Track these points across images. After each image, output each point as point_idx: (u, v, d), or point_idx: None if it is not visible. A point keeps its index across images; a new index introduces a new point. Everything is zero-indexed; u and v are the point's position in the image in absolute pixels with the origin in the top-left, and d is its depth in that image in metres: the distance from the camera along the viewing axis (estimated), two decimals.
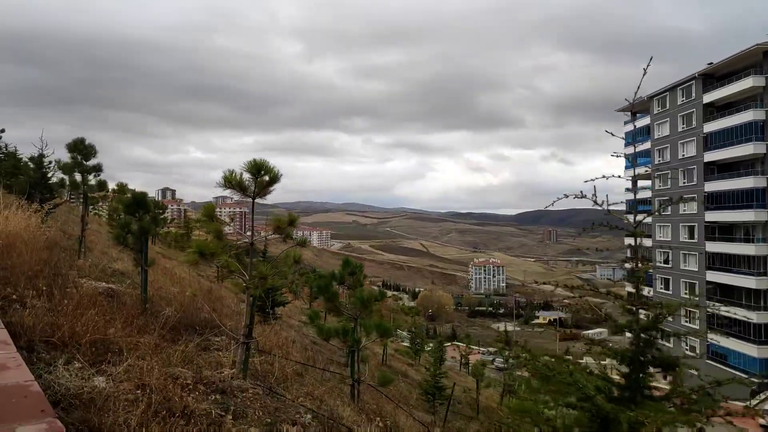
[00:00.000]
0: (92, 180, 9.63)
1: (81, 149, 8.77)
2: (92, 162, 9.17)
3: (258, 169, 4.74)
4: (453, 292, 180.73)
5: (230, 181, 4.81)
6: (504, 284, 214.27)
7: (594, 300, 5.05)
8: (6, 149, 17.34)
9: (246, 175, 4.85)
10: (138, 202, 6.69)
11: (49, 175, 11.74)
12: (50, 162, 12.19)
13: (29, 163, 15.59)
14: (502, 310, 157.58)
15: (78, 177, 9.06)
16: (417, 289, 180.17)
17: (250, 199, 4.92)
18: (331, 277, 7.89)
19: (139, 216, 6.69)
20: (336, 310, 7.28)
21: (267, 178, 4.75)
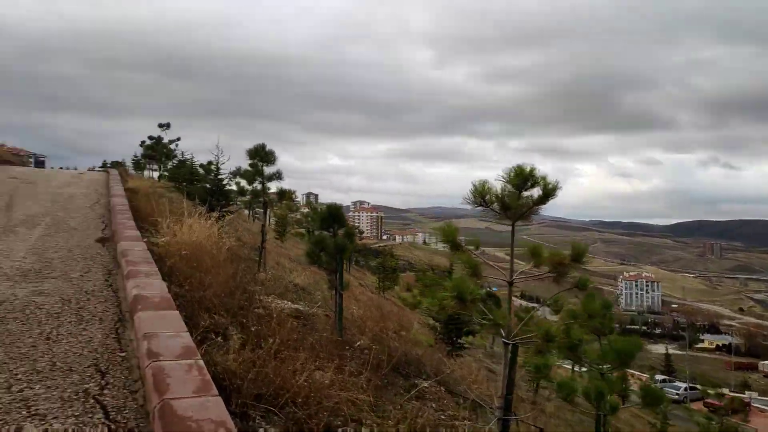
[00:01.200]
0: (271, 187, 9.06)
1: (262, 155, 8.18)
2: (272, 169, 8.58)
3: (525, 179, 3.32)
4: None
5: (482, 196, 3.43)
6: (659, 301, 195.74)
7: None
8: (182, 156, 18.11)
9: (506, 187, 3.44)
10: (333, 216, 5.68)
11: (225, 182, 11.60)
12: (216, 167, 12.13)
13: (198, 169, 15.96)
14: (658, 330, 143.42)
15: (258, 185, 8.50)
16: (560, 302, 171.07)
17: (508, 220, 3.50)
18: (571, 316, 6.18)
19: (334, 231, 5.66)
20: (577, 360, 5.68)
21: (538, 191, 3.31)
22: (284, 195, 8.73)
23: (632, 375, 38.28)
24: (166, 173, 20.96)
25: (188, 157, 19.66)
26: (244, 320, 5.55)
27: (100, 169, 30.62)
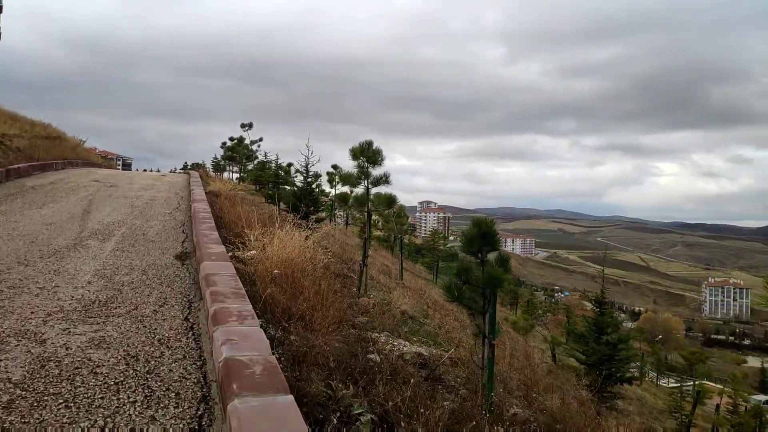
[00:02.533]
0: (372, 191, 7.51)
1: (368, 155, 6.66)
2: (378, 171, 7.05)
3: None
4: (681, 314, 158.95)
5: None
6: (748, 310, 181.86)
7: None
8: (265, 157, 16.99)
9: None
10: (483, 235, 4.03)
11: (314, 185, 10.20)
12: (306, 169, 10.74)
13: (284, 171, 14.70)
14: (747, 341, 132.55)
15: (361, 189, 7.00)
16: (636, 309, 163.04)
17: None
18: None
19: (482, 256, 4.00)
20: None
21: None
22: (392, 202, 7.16)
23: (721, 392, 33.72)
24: (246, 175, 20.10)
25: (272, 158, 18.57)
26: (363, 381, 3.99)
27: (181, 171, 30.59)
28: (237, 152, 20.65)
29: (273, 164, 16.47)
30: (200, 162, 30.59)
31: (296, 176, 11.50)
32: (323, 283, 6.29)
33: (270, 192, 13.39)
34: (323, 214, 10.21)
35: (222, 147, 22.43)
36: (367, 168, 7.00)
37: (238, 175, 21.90)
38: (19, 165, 15.97)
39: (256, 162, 20.04)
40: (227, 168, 23.54)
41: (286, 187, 14.21)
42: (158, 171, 33.54)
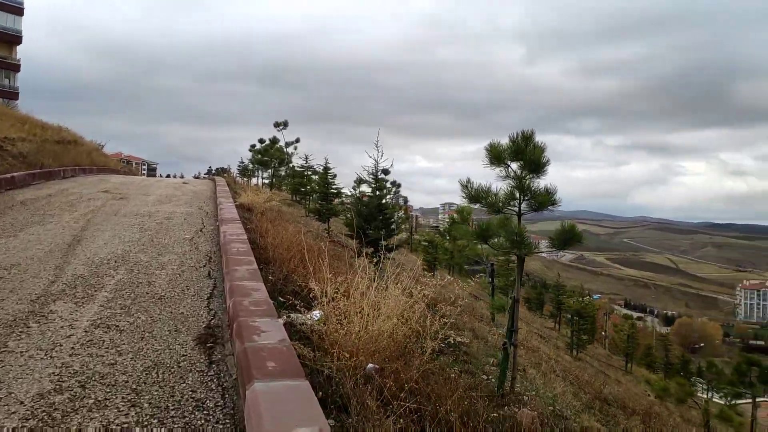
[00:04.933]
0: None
1: (529, 156, 3.76)
2: (540, 183, 4.12)
3: None
4: (714, 318, 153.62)
5: None
6: None
7: None
8: (306, 161, 13.95)
9: None
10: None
11: (386, 201, 7.26)
12: (375, 179, 7.83)
13: (328, 179, 11.86)
14: None
15: (514, 210, 4.04)
16: (669, 313, 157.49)
17: None
18: None
19: None
20: None
21: None
22: (578, 237, 4.15)
23: None
24: (279, 181, 17.27)
25: (314, 162, 15.50)
26: None
27: (206, 176, 27.98)
28: (269, 155, 17.70)
29: (318, 170, 13.39)
30: (226, 167, 27.93)
31: (357, 187, 8.70)
32: (458, 393, 3.40)
33: (318, 206, 10.64)
34: (401, 236, 7.41)
35: (251, 150, 19.45)
36: (526, 178, 4.14)
37: (268, 180, 19.08)
38: (14, 174, 13.38)
39: (290, 166, 17.19)
40: (256, 173, 20.75)
41: (343, 200, 11.48)
42: (181, 177, 31.08)
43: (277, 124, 17.91)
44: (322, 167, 13.00)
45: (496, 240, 4.42)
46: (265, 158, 17.80)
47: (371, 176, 7.44)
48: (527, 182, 4.31)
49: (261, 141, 19.05)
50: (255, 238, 7.81)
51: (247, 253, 6.13)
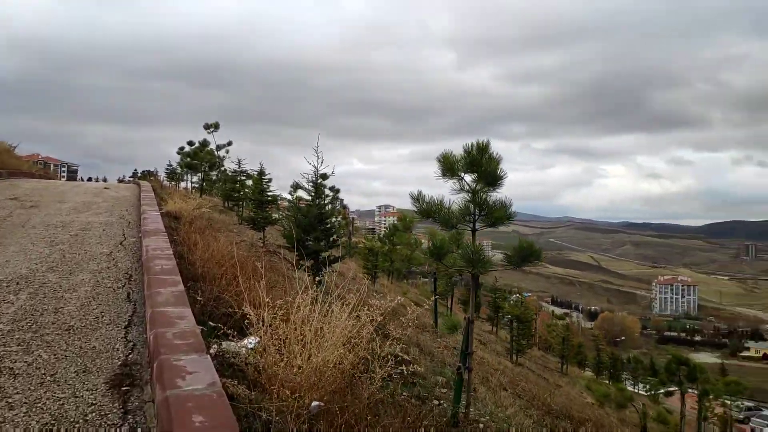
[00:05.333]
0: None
1: (485, 168, 3.44)
2: (496, 196, 3.77)
3: None
4: (633, 312, 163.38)
5: None
6: (696, 306, 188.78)
7: None
8: (239, 166, 13.20)
9: None
10: None
11: (327, 209, 6.84)
12: (315, 185, 7.41)
13: (262, 184, 11.28)
14: (698, 337, 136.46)
15: (468, 226, 3.69)
16: (592, 308, 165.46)
17: None
18: None
19: None
20: None
21: None
22: (535, 252, 3.88)
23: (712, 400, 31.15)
24: (210, 186, 16.34)
25: (248, 166, 14.64)
26: None
27: (131, 179, 26.29)
28: (199, 159, 16.74)
29: (252, 175, 12.64)
30: (152, 170, 26.32)
31: (294, 192, 8.20)
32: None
33: (254, 215, 10.02)
34: (343, 240, 6.96)
35: (179, 152, 18.33)
36: (482, 191, 3.84)
37: (197, 185, 18.05)
38: None
39: (222, 170, 16.34)
40: (185, 177, 19.65)
41: (279, 206, 10.91)
42: (104, 180, 29.18)
43: (207, 126, 16.97)
44: (256, 172, 12.38)
45: (450, 256, 4.14)
46: (195, 161, 16.84)
47: (311, 183, 7.00)
48: (483, 196, 4.05)
49: (190, 143, 18.05)
50: (182, 252, 7.18)
51: (172, 272, 5.53)
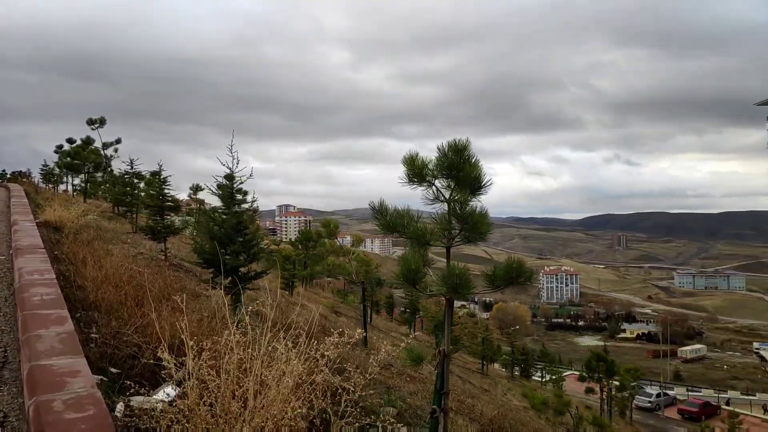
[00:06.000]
0: None
1: (464, 172, 2.85)
2: (476, 205, 3.17)
3: None
4: (523, 301, 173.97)
5: None
6: (578, 293, 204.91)
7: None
8: (131, 167, 11.62)
9: None
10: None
11: (246, 219, 5.91)
12: (230, 192, 6.45)
13: (163, 188, 10.02)
14: (582, 323, 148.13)
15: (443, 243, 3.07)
16: (486, 300, 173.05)
17: None
18: None
19: None
20: None
21: None
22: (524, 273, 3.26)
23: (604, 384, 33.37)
24: (98, 188, 14.38)
25: (143, 169, 12.84)
26: None
27: None
28: (82, 158, 14.57)
29: (146, 177, 11.08)
30: (24, 170, 23.02)
31: (194, 194, 7.13)
32: None
33: (153, 223, 8.66)
34: (260, 264, 6.06)
35: (57, 151, 15.85)
36: (466, 201, 3.20)
37: (80, 188, 15.84)
38: None
39: (109, 171, 14.43)
40: (65, 179, 17.20)
41: (183, 208, 9.65)
42: None
43: (91, 122, 14.82)
44: (149, 173, 10.92)
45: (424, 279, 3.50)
46: (77, 161, 14.64)
47: (227, 189, 5.99)
48: (466, 208, 3.42)
49: (70, 141, 15.68)
50: (68, 272, 5.89)
51: (56, 303, 4.36)
